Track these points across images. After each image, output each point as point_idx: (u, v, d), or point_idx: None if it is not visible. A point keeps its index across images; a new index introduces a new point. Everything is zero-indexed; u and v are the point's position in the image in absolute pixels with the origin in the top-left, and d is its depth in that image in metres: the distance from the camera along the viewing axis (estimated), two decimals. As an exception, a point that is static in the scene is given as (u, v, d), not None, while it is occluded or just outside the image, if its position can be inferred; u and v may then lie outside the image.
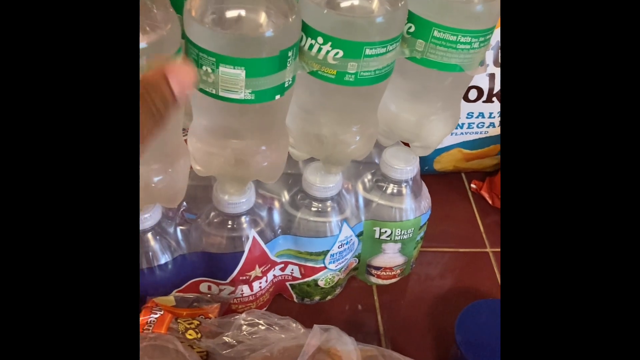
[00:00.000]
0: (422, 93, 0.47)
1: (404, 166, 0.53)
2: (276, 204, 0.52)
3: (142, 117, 0.23)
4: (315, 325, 0.43)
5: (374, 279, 0.61)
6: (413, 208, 0.55)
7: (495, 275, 0.65)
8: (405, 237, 0.56)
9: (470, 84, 0.63)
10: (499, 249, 0.67)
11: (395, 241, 0.57)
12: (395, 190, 0.55)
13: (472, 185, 0.74)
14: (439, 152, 0.71)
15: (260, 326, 0.45)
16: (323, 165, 0.50)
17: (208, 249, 0.49)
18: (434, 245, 0.67)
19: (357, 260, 0.59)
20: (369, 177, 0.55)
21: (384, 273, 0.60)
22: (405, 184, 0.54)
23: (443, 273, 0.65)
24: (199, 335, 0.44)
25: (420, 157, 0.70)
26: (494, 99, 0.64)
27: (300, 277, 0.56)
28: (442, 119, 0.49)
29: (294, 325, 0.45)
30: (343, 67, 0.39)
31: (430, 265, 0.66)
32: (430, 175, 0.73)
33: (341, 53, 0.39)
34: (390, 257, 0.58)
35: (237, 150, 0.41)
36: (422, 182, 0.58)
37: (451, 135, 0.68)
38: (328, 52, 0.39)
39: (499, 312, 0.51)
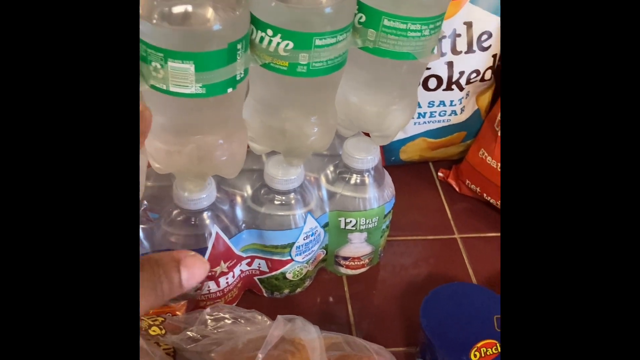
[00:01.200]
0: (378, 83, 0.48)
1: (365, 156, 0.54)
2: (239, 199, 0.52)
3: (146, 291, 0.24)
4: (278, 316, 0.43)
5: (343, 270, 0.62)
6: (376, 197, 0.56)
7: (464, 261, 0.65)
8: (370, 226, 0.57)
9: (430, 73, 0.64)
10: (467, 235, 0.68)
11: (361, 230, 0.57)
12: (358, 180, 0.55)
13: (439, 174, 0.75)
14: (404, 142, 0.71)
15: (226, 320, 0.45)
16: (284, 158, 0.50)
17: (172, 247, 0.49)
18: (404, 234, 0.68)
19: (325, 252, 0.60)
20: (332, 168, 0.56)
21: (353, 263, 0.61)
22: (367, 173, 0.55)
23: (413, 261, 0.66)
24: (163, 332, 0.44)
25: (386, 148, 0.71)
26: (454, 86, 0.65)
27: (267, 270, 0.56)
28: (399, 108, 0.50)
29: (260, 317, 0.46)
30: (294, 58, 0.39)
31: (400, 254, 0.66)
32: (398, 165, 0.74)
33: (291, 44, 0.39)
34: (357, 247, 0.59)
35: (196, 146, 0.41)
36: (385, 171, 0.58)
37: (414, 124, 0.69)
38: (278, 44, 0.39)
39: (462, 295, 0.52)
